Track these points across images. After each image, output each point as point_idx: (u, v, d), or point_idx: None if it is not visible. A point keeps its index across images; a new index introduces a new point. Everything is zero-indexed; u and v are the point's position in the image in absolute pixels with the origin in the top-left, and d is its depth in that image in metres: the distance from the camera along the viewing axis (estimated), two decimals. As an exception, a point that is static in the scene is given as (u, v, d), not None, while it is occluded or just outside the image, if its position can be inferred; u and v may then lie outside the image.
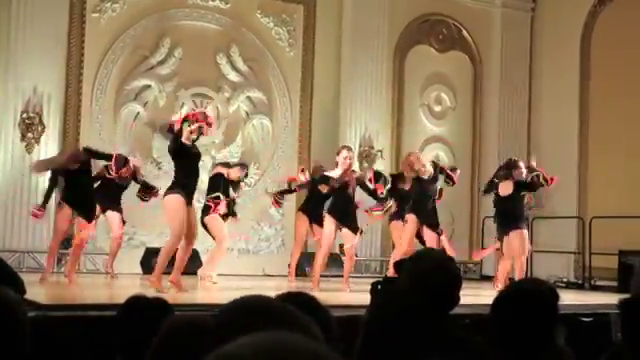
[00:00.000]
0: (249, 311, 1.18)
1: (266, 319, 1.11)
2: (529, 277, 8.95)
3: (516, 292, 2.54)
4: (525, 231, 8.72)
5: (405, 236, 8.58)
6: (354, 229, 8.73)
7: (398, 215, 9.28)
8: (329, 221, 8.67)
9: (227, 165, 9.55)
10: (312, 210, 9.62)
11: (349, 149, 9.08)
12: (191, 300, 6.68)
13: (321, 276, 8.79)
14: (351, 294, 7.89)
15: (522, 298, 2.47)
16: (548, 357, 2.40)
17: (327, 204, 8.89)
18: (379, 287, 2.77)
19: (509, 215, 8.69)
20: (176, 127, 7.31)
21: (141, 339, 2.20)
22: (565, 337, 5.22)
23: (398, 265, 2.80)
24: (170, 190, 7.33)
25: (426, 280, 2.57)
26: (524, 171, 8.84)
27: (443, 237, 8.83)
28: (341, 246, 9.43)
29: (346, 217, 8.68)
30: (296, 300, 1.91)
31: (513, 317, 2.42)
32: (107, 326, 2.78)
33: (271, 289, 7.26)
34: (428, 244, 8.41)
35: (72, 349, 2.20)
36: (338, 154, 8.83)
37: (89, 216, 8.49)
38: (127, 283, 8.64)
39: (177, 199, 7.20)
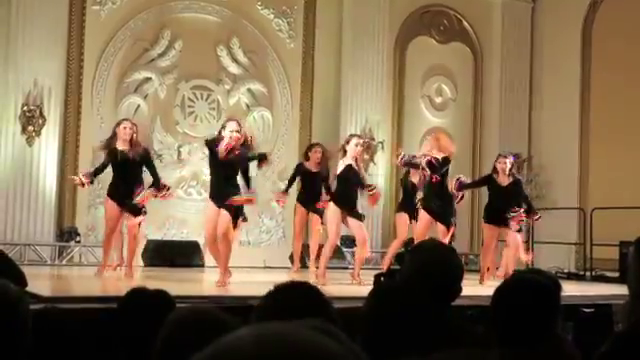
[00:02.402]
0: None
1: None
2: (531, 268, 8.95)
3: (517, 283, 2.53)
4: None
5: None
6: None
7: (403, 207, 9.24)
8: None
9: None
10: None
11: (359, 137, 8.74)
12: (191, 292, 6.67)
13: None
14: (353, 286, 7.87)
15: (523, 289, 2.47)
16: (549, 348, 2.40)
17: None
18: (382, 279, 2.77)
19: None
20: None
21: (143, 332, 2.20)
22: (572, 333, 5.24)
23: (400, 257, 2.80)
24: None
25: (428, 271, 2.57)
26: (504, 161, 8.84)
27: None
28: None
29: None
30: (298, 290, 1.89)
31: (514, 308, 2.42)
32: (110, 319, 2.78)
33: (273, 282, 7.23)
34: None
35: (76, 342, 2.20)
36: (348, 142, 8.38)
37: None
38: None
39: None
